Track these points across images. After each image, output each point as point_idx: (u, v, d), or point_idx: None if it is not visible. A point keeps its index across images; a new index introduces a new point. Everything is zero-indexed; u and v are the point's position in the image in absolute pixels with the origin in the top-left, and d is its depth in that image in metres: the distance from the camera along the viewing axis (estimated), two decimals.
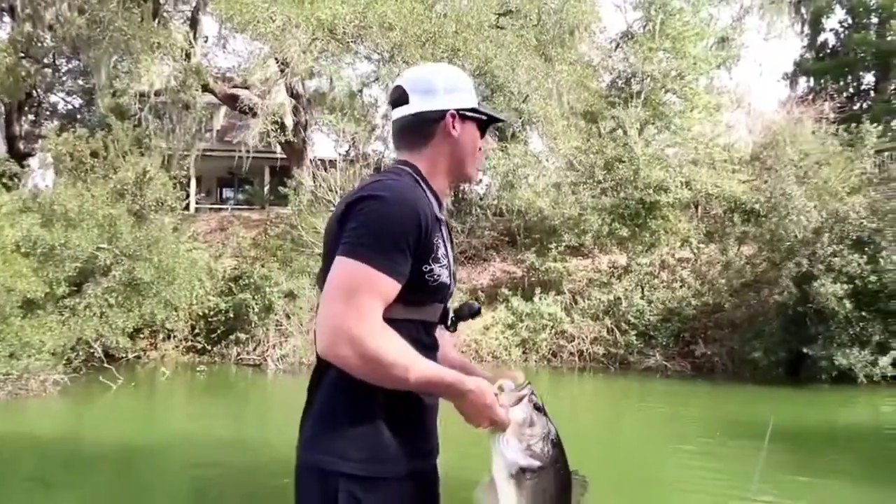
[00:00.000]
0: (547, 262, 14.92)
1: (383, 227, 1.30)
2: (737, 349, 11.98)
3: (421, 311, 1.42)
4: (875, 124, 12.88)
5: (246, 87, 18.65)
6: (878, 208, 11.14)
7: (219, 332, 14.55)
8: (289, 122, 20.06)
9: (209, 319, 14.52)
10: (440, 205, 1.49)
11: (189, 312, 14.37)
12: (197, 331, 14.62)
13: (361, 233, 1.30)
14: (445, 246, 1.44)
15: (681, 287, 14.11)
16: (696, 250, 14.61)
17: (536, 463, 1.30)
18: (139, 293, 13.21)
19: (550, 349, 13.88)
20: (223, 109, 23.18)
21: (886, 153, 15.18)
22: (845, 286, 10.34)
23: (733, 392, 11.21)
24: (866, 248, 10.59)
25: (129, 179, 14.21)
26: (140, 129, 16.63)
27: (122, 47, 16.96)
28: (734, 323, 12.60)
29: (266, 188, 22.88)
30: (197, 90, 17.77)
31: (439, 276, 1.40)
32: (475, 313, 1.58)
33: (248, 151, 18.15)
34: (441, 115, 1.50)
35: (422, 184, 1.45)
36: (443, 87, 1.52)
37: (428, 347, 1.44)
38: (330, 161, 17.50)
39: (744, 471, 6.20)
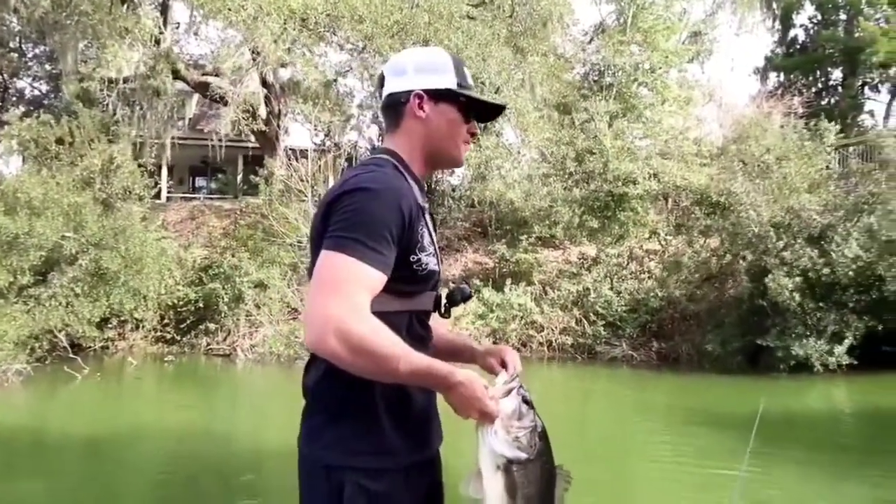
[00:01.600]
0: (518, 253, 15.06)
1: (366, 219, 1.30)
2: (698, 340, 12.24)
3: (414, 302, 1.42)
4: (833, 122, 13.19)
5: (218, 75, 18.45)
6: (832, 203, 11.44)
7: (188, 322, 14.47)
8: (262, 111, 19.92)
9: (178, 309, 14.43)
10: (423, 190, 1.48)
11: (158, 302, 14.25)
12: (166, 321, 14.52)
13: (345, 226, 1.30)
14: (430, 233, 1.44)
15: (648, 278, 14.34)
16: (663, 242, 14.85)
17: (523, 455, 1.30)
18: (106, 283, 13.08)
19: (520, 339, 14.03)
20: (195, 97, 22.95)
21: (851, 148, 15.57)
22: (797, 279, 10.62)
23: (694, 382, 11.47)
24: (822, 242, 10.86)
25: (96, 167, 14.02)
26: (108, 116, 16.37)
27: (90, 32, 16.65)
28: (697, 314, 12.87)
29: (239, 177, 22.69)
30: (167, 77, 17.51)
31: (427, 264, 1.40)
32: (467, 298, 1.56)
33: (220, 140, 17.96)
34: (407, 95, 1.47)
35: (404, 172, 1.44)
36: (413, 67, 1.49)
37: (422, 339, 1.44)
38: (302, 151, 17.43)
39: (705, 453, 6.67)
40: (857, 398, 10.27)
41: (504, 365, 1.56)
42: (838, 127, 12.89)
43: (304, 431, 1.41)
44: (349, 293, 1.26)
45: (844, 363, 10.74)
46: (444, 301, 1.51)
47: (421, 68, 1.48)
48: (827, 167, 12.80)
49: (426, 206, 1.45)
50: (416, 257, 1.37)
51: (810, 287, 10.82)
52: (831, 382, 10.68)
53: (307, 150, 19.09)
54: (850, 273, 10.80)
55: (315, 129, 22.09)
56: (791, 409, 9.48)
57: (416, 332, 1.42)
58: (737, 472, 6.06)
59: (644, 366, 12.87)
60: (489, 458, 1.31)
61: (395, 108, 1.50)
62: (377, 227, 1.30)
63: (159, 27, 17.71)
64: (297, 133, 35.24)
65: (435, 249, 1.44)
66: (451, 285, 1.55)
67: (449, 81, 1.47)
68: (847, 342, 10.75)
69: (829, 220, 11.15)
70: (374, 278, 1.29)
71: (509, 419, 1.31)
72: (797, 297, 10.58)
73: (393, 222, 1.31)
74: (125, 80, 17.02)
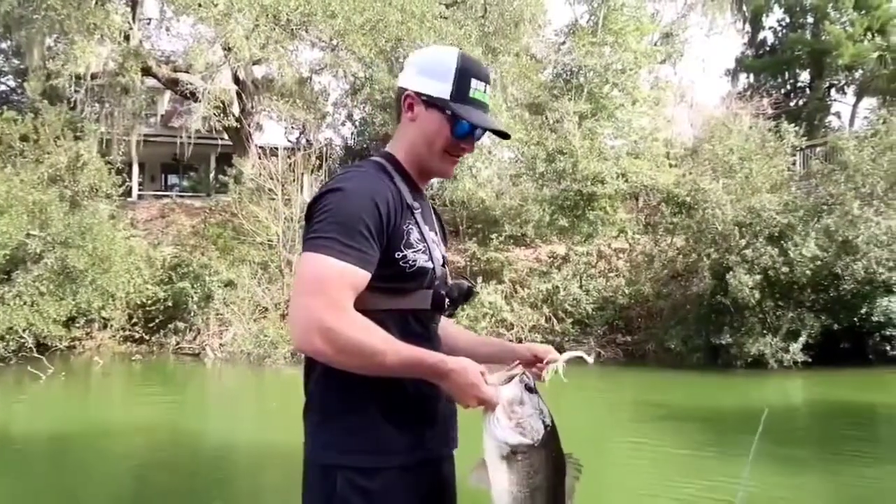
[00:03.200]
0: (489, 251, 15.18)
1: (340, 218, 1.30)
2: (661, 337, 12.47)
3: (407, 300, 1.40)
4: (795, 124, 13.49)
5: (189, 72, 18.28)
6: (793, 204, 11.72)
7: (157, 321, 14.36)
8: (235, 108, 19.78)
9: (147, 308, 14.31)
10: (417, 191, 1.46)
11: (127, 301, 14.13)
12: (135, 320, 14.39)
13: (322, 227, 1.31)
14: (421, 231, 1.41)
15: (616, 276, 14.55)
16: (631, 241, 15.07)
17: (526, 440, 1.26)
18: (72, 281, 12.94)
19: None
20: (167, 94, 22.66)
21: (819, 149, 15.91)
22: (757, 277, 10.88)
23: (658, 378, 11.69)
24: (782, 242, 11.14)
25: (62, 164, 13.86)
26: (75, 113, 16.16)
27: (57, 27, 16.41)
28: (663, 312, 13.10)
29: (212, 175, 22.51)
30: (136, 73, 17.33)
31: (415, 260, 1.37)
32: (467, 294, 1.49)
33: (189, 137, 17.82)
34: (404, 93, 1.45)
35: (392, 172, 1.43)
36: (417, 66, 1.46)
37: (421, 338, 1.39)
38: (276, 149, 17.36)
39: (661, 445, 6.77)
40: (813, 394, 10.56)
41: (536, 359, 1.53)
42: (797, 128, 13.16)
43: (305, 433, 1.41)
44: (330, 291, 1.26)
45: (800, 360, 11.02)
46: (446, 299, 1.45)
47: (422, 69, 1.44)
48: (788, 168, 13.10)
49: (415, 204, 1.42)
50: (401, 254, 1.36)
51: (770, 285, 11.08)
52: (788, 379, 10.96)
53: (289, 147, 19.03)
54: (808, 272, 11.09)
55: (290, 127, 22.04)
56: (748, 405, 9.73)
57: (413, 330, 1.39)
58: (697, 459, 6.27)
59: (611, 362, 13.06)
60: (493, 446, 1.28)
61: (397, 102, 1.49)
62: (352, 224, 1.30)
63: (129, 23, 17.51)
64: (272, 131, 35.02)
65: (428, 247, 1.41)
66: (450, 282, 1.50)
67: (443, 90, 1.41)
68: (802, 340, 11.04)
69: (789, 220, 11.42)
70: (354, 275, 1.29)
71: (510, 405, 1.28)
72: (756, 294, 10.83)
73: (368, 218, 1.31)
74: (93, 77, 16.81)
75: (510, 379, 1.32)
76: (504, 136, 1.57)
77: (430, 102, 1.42)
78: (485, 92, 1.45)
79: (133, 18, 18.09)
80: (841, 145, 12.05)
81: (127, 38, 17.49)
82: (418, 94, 1.43)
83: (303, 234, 1.39)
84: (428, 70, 1.43)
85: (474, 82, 1.43)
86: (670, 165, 16.38)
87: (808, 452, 7.09)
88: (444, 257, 1.50)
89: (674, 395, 10.25)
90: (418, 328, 1.42)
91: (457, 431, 1.50)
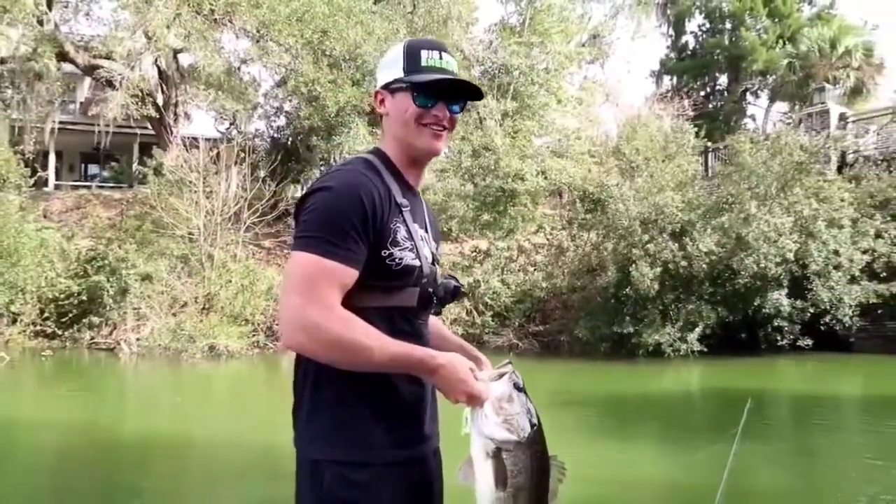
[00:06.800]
0: None
1: (327, 216, 1.31)
2: (572, 328, 13.02)
3: (394, 297, 1.40)
4: (697, 129, 14.26)
5: (109, 58, 17.71)
6: (695, 202, 12.43)
7: (71, 315, 13.96)
8: (159, 98, 19.29)
9: (60, 303, 13.89)
10: (408, 188, 1.47)
11: (38, 296, 13.70)
12: (46, 315, 13.95)
13: (308, 226, 1.32)
14: (409, 228, 1.42)
15: (535, 271, 15.04)
16: (550, 236, 15.59)
17: (513, 437, 1.27)
18: None
19: None
20: (87, 81, 21.87)
21: (726, 149, 16.80)
22: (657, 270, 11.52)
23: (570, 368, 12.21)
24: (683, 237, 11.81)
25: None
26: None
27: None
28: (575, 304, 13.66)
29: (135, 165, 21.88)
30: (51, 59, 16.72)
31: (402, 258, 1.38)
32: (454, 292, 1.49)
33: (107, 126, 17.27)
34: (375, 97, 1.50)
35: (380, 168, 1.44)
36: (379, 68, 1.50)
37: (408, 335, 1.39)
38: (206, 139, 17.05)
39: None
40: (709, 381, 11.26)
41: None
42: (695, 129, 13.92)
43: (295, 431, 1.42)
44: (317, 289, 1.28)
45: (696, 350, 11.72)
46: (433, 297, 1.46)
47: (381, 66, 1.50)
48: (693, 168, 13.83)
49: (405, 201, 1.43)
50: (387, 252, 1.36)
51: (671, 278, 11.74)
52: (686, 367, 11.65)
53: (212, 139, 18.65)
54: (705, 266, 11.79)
55: (219, 118, 21.60)
56: (647, 392, 10.31)
57: (400, 328, 1.39)
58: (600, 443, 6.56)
59: (528, 353, 13.53)
60: (479, 442, 1.29)
61: (377, 111, 1.52)
62: (338, 222, 1.31)
63: (42, 6, 16.83)
64: (201, 121, 34.08)
65: (416, 245, 1.42)
66: (441, 280, 1.50)
67: (396, 72, 1.45)
68: (698, 330, 11.74)
69: (690, 217, 12.11)
70: (341, 273, 1.30)
71: (499, 401, 1.28)
72: (656, 286, 11.46)
73: (355, 216, 1.32)
74: (2, 62, 16.12)
75: (500, 376, 1.33)
76: (476, 96, 1.52)
77: (393, 88, 1.45)
78: (441, 59, 1.46)
79: (49, 2, 17.39)
80: (738, 148, 12.82)
81: (41, 21, 16.83)
82: (384, 88, 1.47)
83: (293, 232, 1.41)
84: (384, 64, 1.49)
85: (425, 52, 1.45)
86: (596, 164, 16.99)
87: (703, 435, 7.30)
88: (434, 255, 1.50)
89: (580, 383, 10.75)
90: (405, 325, 1.42)
91: (437, 425, 1.51)
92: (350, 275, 1.32)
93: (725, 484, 2.37)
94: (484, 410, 1.28)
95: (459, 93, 1.48)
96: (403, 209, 1.42)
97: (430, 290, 1.44)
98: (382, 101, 1.48)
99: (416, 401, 1.42)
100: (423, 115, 1.44)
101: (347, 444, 1.35)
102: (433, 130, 1.45)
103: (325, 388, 1.37)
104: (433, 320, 1.58)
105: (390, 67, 1.46)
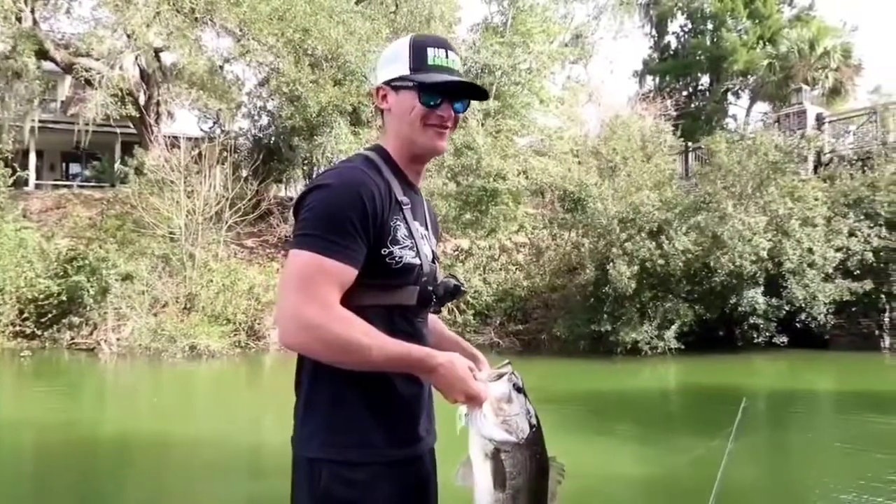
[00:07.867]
0: None
1: (326, 214, 1.31)
2: (551, 326, 13.15)
3: (392, 295, 1.39)
4: (675, 128, 14.43)
5: (88, 56, 17.59)
6: (672, 201, 12.58)
7: (50, 315, 13.86)
8: (141, 97, 19.16)
9: (40, 303, 13.80)
10: (409, 185, 1.47)
11: (17, 296, 13.60)
12: (25, 315, 13.86)
13: (307, 224, 1.32)
14: (409, 226, 1.41)
15: (516, 270, 15.15)
16: (531, 235, 15.71)
17: (512, 438, 1.26)
18: None
19: None
20: (68, 79, 21.71)
21: (704, 149, 16.98)
22: (634, 268, 11.66)
23: (549, 365, 12.32)
24: (660, 236, 11.97)
25: None
26: None
27: None
28: (555, 303, 13.79)
29: (117, 164, 21.74)
30: (30, 57, 16.57)
31: (401, 257, 1.37)
32: (454, 291, 1.48)
33: (87, 124, 17.15)
34: (377, 92, 1.48)
35: (382, 165, 1.43)
36: (379, 63, 1.48)
37: (407, 334, 1.38)
38: (189, 138, 16.98)
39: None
40: (685, 378, 11.42)
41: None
42: (672, 129, 14.08)
43: (294, 430, 1.42)
44: (315, 288, 1.27)
45: (673, 347, 11.88)
46: (432, 296, 1.45)
47: (383, 62, 1.48)
48: (666, 167, 13.97)
49: (405, 199, 1.42)
50: (387, 250, 1.36)
51: (648, 276, 11.89)
52: (663, 365, 11.81)
53: (194, 138, 18.56)
54: (681, 265, 11.95)
55: (203, 116, 21.50)
56: (625, 389, 10.44)
57: (399, 327, 1.39)
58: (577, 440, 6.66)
59: (509, 352, 13.63)
60: (478, 443, 1.28)
61: (377, 105, 1.51)
62: (337, 220, 1.30)
63: (20, 3, 16.68)
64: (185, 119, 33.89)
65: (416, 244, 1.41)
66: (441, 279, 1.48)
67: (402, 68, 1.43)
68: (675, 328, 11.90)
69: (667, 216, 12.26)
70: (340, 271, 1.30)
71: (498, 402, 1.28)
72: (633, 284, 11.60)
73: (354, 214, 1.31)
74: None
75: (499, 377, 1.32)
76: (481, 96, 1.52)
77: (397, 85, 1.43)
78: (447, 58, 1.45)
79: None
80: (714, 148, 12.99)
81: (19, 19, 16.69)
82: (387, 84, 1.45)
83: (292, 230, 1.40)
84: (387, 59, 1.47)
85: (431, 51, 1.44)
86: (577, 163, 17.11)
87: (681, 430, 7.47)
88: (434, 253, 1.49)
89: (559, 380, 10.86)
90: (404, 324, 1.41)
91: (433, 425, 1.52)
92: (349, 273, 1.31)
93: (719, 484, 2.40)
94: (483, 411, 1.28)
95: (464, 92, 1.48)
96: (404, 207, 1.42)
97: (430, 288, 1.43)
98: (385, 97, 1.47)
99: (413, 400, 1.42)
100: (428, 115, 1.43)
101: (344, 443, 1.35)
102: (437, 130, 1.45)
103: (321, 387, 1.37)
104: (432, 319, 1.58)
105: (394, 63, 1.45)
